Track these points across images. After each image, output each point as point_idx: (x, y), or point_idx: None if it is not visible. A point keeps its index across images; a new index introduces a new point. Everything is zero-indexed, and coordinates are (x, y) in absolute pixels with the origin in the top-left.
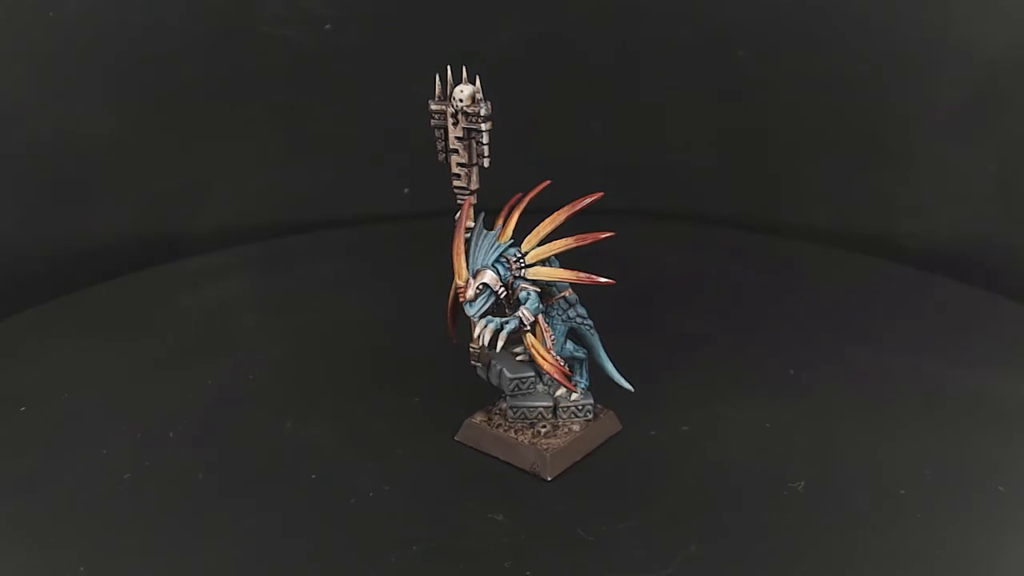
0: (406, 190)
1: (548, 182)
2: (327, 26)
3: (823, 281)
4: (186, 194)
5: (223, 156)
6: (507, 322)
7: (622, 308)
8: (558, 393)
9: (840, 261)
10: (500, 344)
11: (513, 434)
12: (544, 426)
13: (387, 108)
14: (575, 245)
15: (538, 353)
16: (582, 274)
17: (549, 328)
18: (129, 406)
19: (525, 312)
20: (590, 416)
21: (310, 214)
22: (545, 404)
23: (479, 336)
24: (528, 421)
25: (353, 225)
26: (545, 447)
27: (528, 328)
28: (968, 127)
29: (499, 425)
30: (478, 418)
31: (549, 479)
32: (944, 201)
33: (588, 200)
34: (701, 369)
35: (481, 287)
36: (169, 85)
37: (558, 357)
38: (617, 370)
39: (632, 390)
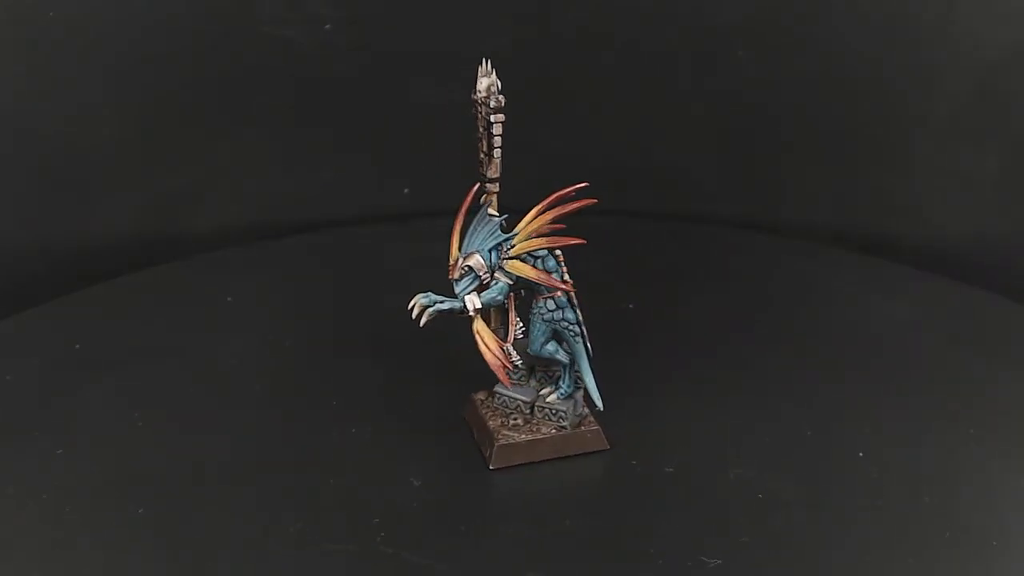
0: (406, 190)
1: (585, 184)
2: (327, 26)
3: (823, 282)
4: (186, 194)
5: (223, 156)
6: (441, 302)
7: (622, 311)
8: (542, 392)
9: (840, 261)
10: (424, 320)
11: (488, 418)
12: (516, 419)
13: (387, 108)
14: (546, 246)
15: (481, 340)
16: (543, 274)
17: (516, 320)
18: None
19: (473, 298)
20: (564, 423)
21: (310, 214)
22: (524, 399)
23: (411, 307)
24: (507, 410)
25: (353, 225)
26: (500, 437)
27: (471, 314)
28: (969, 127)
29: (486, 407)
30: (478, 396)
31: (491, 468)
32: (944, 201)
33: (576, 205)
34: (711, 397)
35: (466, 269)
36: (169, 85)
37: (511, 351)
38: (596, 384)
39: (600, 408)
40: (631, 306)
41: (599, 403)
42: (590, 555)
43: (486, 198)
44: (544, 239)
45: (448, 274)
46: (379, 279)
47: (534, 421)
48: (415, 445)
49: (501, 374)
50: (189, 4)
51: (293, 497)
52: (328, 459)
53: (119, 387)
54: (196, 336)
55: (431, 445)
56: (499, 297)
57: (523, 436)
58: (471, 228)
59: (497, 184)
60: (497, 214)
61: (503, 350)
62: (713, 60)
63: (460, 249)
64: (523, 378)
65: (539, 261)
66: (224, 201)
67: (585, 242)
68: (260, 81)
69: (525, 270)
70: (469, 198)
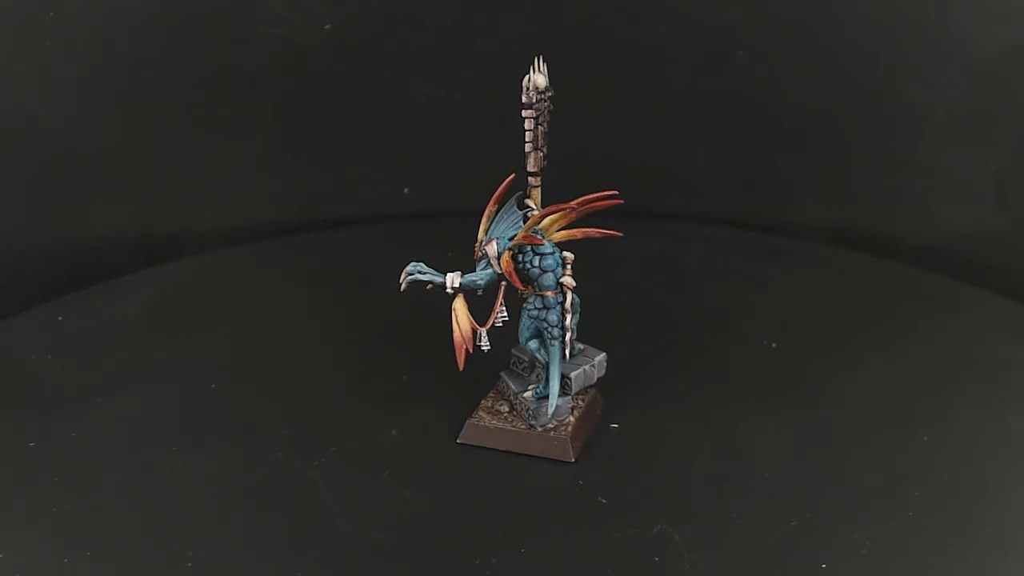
0: (406, 190)
1: (614, 192)
2: (327, 26)
3: (824, 282)
4: (186, 194)
5: (223, 156)
6: (423, 273)
7: (622, 312)
8: (528, 386)
9: (840, 261)
10: (402, 287)
11: (487, 396)
12: (503, 405)
13: (387, 108)
14: (522, 242)
15: (455, 318)
16: (511, 268)
17: (501, 309)
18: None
19: (453, 276)
20: (533, 423)
21: (310, 214)
22: (514, 389)
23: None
24: (503, 395)
25: (353, 225)
26: (475, 417)
27: (450, 292)
28: (968, 127)
29: (496, 388)
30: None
31: (457, 442)
32: (944, 201)
33: (561, 208)
34: (711, 398)
35: (483, 252)
36: (169, 85)
37: (482, 336)
38: (559, 394)
39: (550, 419)
40: (773, 345)
41: (550, 413)
42: (435, 553)
43: (529, 191)
44: (522, 234)
45: (473, 254)
46: (379, 279)
47: (516, 414)
48: (416, 410)
49: (459, 354)
50: (189, 4)
51: (281, 421)
52: (332, 407)
53: (120, 386)
54: (196, 334)
55: (430, 411)
56: (479, 282)
57: (495, 422)
58: (498, 216)
59: (538, 178)
60: (533, 206)
61: (473, 333)
62: (713, 60)
63: (486, 233)
64: (526, 369)
65: (539, 258)
66: (224, 201)
67: (543, 242)
68: (260, 81)
69: (504, 262)
70: (503, 187)
